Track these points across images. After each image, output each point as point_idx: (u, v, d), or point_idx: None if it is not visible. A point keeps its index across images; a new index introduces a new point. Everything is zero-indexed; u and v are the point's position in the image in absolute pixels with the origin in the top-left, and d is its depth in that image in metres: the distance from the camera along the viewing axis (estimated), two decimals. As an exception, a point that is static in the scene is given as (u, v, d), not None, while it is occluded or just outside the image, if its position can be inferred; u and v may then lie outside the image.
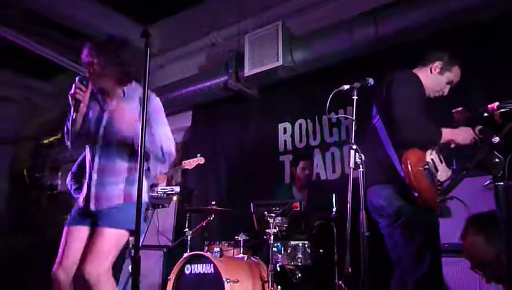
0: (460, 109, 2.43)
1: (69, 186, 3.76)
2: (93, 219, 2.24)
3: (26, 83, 7.27)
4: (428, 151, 2.26)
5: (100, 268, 2.07)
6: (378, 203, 2.31)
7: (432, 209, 2.23)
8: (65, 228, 2.28)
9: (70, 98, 2.24)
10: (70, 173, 3.86)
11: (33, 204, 7.03)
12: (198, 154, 3.90)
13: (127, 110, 2.30)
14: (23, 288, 5.44)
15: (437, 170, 2.27)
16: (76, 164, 3.88)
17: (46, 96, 7.51)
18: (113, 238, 2.16)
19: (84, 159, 3.85)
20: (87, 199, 2.26)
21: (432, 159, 2.25)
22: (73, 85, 2.23)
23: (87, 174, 2.32)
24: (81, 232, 2.25)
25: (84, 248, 2.20)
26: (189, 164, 3.78)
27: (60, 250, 2.23)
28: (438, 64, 2.42)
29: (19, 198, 7.18)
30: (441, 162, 2.31)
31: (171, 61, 6.13)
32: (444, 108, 2.55)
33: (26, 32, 5.47)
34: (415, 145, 2.19)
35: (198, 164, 3.85)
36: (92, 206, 2.24)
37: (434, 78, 2.42)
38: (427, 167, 2.20)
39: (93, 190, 2.25)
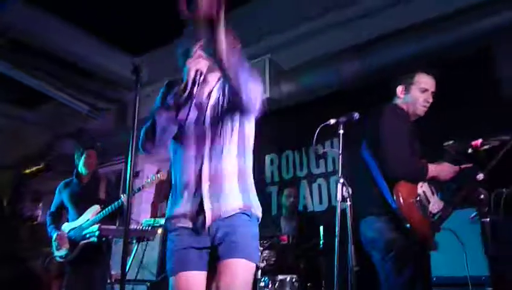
0: (451, 142, 2.46)
1: (47, 222, 3.72)
2: (210, 250, 1.68)
3: (10, 111, 7.18)
4: (420, 183, 2.28)
5: None
6: (370, 235, 2.29)
7: (423, 242, 2.22)
8: (174, 278, 1.67)
9: (189, 66, 1.71)
10: (48, 211, 3.82)
11: (12, 235, 6.80)
12: (162, 171, 3.67)
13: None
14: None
15: (429, 202, 2.27)
16: (54, 204, 3.82)
17: (30, 124, 7.42)
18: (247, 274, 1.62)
19: (58, 200, 3.80)
20: (197, 216, 1.67)
21: (424, 191, 2.27)
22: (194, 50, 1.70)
23: (190, 185, 1.73)
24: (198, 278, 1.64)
25: None
26: (149, 184, 3.53)
27: None
28: (400, 88, 2.48)
29: (-3, 229, 6.96)
30: (433, 193, 2.32)
31: (158, 91, 6.14)
32: (435, 140, 2.58)
33: (12, 61, 5.46)
34: (404, 179, 2.21)
35: (160, 180, 3.61)
36: (209, 225, 1.66)
37: (406, 100, 2.46)
38: (418, 199, 2.21)
39: (208, 204, 1.67)
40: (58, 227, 3.65)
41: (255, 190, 1.86)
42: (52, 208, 3.83)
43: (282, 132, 4.81)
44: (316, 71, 4.29)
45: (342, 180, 2.22)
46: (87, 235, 3.39)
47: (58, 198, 3.85)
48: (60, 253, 3.52)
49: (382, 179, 2.23)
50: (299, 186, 4.46)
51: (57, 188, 3.90)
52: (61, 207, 3.83)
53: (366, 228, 2.32)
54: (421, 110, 2.45)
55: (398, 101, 2.47)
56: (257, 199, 1.83)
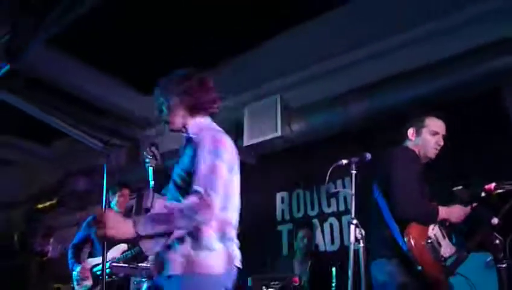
0: (460, 187, 2.46)
1: (68, 255, 3.72)
2: None
3: (26, 147, 7.33)
4: (431, 226, 2.26)
5: None
6: (381, 279, 2.26)
7: (436, 285, 2.18)
8: None
9: None
10: (71, 243, 3.82)
11: (22, 271, 6.78)
12: None
13: None
14: None
15: (440, 245, 2.25)
16: (78, 237, 3.85)
17: (44, 160, 7.55)
18: None
19: (84, 234, 3.83)
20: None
21: (435, 234, 2.25)
22: None
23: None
24: None
25: None
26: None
27: None
28: (411, 131, 2.50)
29: (7, 263, 6.94)
30: (444, 237, 2.30)
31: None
32: (446, 184, 2.58)
33: (28, 98, 5.63)
34: (415, 221, 2.20)
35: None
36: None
37: (417, 142, 2.47)
38: (430, 241, 2.19)
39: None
40: (79, 261, 3.65)
41: None
42: (76, 240, 3.83)
43: (293, 170, 4.82)
44: (324, 111, 4.35)
45: (354, 221, 2.22)
46: (98, 273, 3.38)
47: (85, 232, 3.88)
48: (81, 288, 3.49)
49: (393, 221, 2.22)
50: (312, 227, 4.42)
51: (86, 222, 3.94)
52: (86, 241, 3.86)
53: (377, 270, 2.29)
54: (432, 152, 2.47)
55: (409, 143, 2.49)
56: None
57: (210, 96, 1.93)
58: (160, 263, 1.68)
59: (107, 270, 3.33)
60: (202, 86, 1.92)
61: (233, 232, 1.85)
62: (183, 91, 1.86)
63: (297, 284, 3.29)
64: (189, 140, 1.84)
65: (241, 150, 4.80)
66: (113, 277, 3.33)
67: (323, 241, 4.37)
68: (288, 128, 4.46)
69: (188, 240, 1.65)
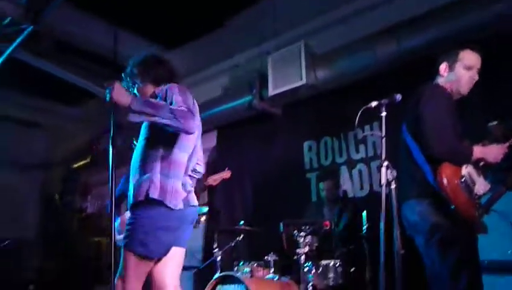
0: (496, 122, 2.38)
1: (107, 210, 3.88)
2: None
3: (56, 109, 7.52)
4: (464, 165, 2.22)
5: None
6: (412, 219, 2.27)
7: (469, 224, 2.18)
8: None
9: None
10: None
11: (64, 228, 7.18)
12: (225, 171, 3.80)
13: None
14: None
15: (474, 184, 2.22)
16: (118, 192, 4.00)
17: (75, 121, 7.75)
18: None
19: (121, 189, 3.98)
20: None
21: (469, 172, 2.21)
22: None
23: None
24: None
25: None
26: (214, 180, 3.73)
27: None
28: (443, 66, 2.39)
29: (50, 222, 7.35)
30: (479, 175, 2.26)
31: (195, 83, 6.25)
32: (479, 121, 2.50)
33: (57, 61, 5.70)
34: (447, 161, 2.16)
35: (223, 178, 3.78)
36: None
37: (449, 78, 2.37)
38: (463, 180, 2.16)
39: None
40: (118, 214, 3.82)
41: None
42: (117, 194, 3.97)
43: (319, 118, 4.77)
44: (351, 55, 4.22)
45: (386, 163, 2.20)
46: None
47: (121, 187, 4.02)
48: (120, 238, 3.68)
49: (424, 162, 2.19)
50: (337, 175, 4.42)
51: (124, 177, 4.09)
52: (123, 196, 4.01)
53: (408, 211, 2.29)
54: (465, 88, 2.37)
55: (441, 80, 2.40)
56: None
57: (167, 70, 2.39)
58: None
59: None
60: (160, 63, 2.39)
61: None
62: (144, 73, 2.32)
63: (328, 227, 3.36)
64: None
65: (266, 100, 4.77)
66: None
67: (352, 188, 4.39)
68: (314, 76, 4.37)
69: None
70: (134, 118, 1.99)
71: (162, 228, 2.05)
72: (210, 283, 3.44)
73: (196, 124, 2.12)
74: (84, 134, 7.11)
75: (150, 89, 2.30)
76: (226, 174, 3.76)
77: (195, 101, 2.26)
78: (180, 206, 2.08)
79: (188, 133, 2.04)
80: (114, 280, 2.08)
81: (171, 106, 1.99)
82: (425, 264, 2.29)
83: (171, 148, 2.14)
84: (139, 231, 2.03)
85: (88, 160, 6.76)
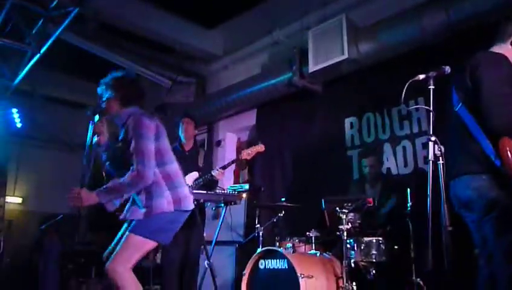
0: None
1: None
2: None
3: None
4: None
5: None
6: (465, 195, 2.17)
7: None
8: None
9: None
10: None
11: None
12: (259, 145, 3.81)
13: None
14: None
15: None
16: None
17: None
18: None
19: None
20: None
21: None
22: None
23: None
24: None
25: None
26: (248, 154, 3.74)
27: None
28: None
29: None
30: None
31: (235, 62, 6.26)
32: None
33: (101, 42, 5.87)
34: (509, 135, 2.04)
35: (258, 152, 3.78)
36: None
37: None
38: None
39: None
40: None
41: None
42: None
43: (361, 94, 4.65)
44: (395, 27, 4.05)
45: (433, 138, 2.12)
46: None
47: None
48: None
49: (483, 135, 2.08)
50: (380, 151, 4.33)
51: None
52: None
53: (461, 188, 2.19)
54: None
55: (506, 49, 2.22)
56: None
57: (137, 92, 2.60)
58: (127, 211, 2.44)
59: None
60: (132, 84, 2.60)
61: (179, 179, 2.49)
62: (118, 88, 2.52)
63: (371, 205, 3.32)
64: (122, 124, 2.50)
65: (307, 77, 4.71)
66: (195, 203, 3.55)
67: (396, 165, 4.29)
68: (356, 50, 4.25)
69: (144, 194, 2.39)
70: (109, 207, 2.43)
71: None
72: (253, 257, 3.51)
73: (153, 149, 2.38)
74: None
75: (116, 105, 2.52)
76: (260, 148, 3.78)
77: (159, 124, 2.47)
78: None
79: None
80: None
81: (125, 182, 2.31)
82: (474, 242, 2.22)
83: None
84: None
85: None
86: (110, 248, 2.47)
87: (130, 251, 2.31)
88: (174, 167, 2.49)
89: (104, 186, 2.35)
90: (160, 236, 2.40)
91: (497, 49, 2.25)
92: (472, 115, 2.14)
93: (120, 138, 2.50)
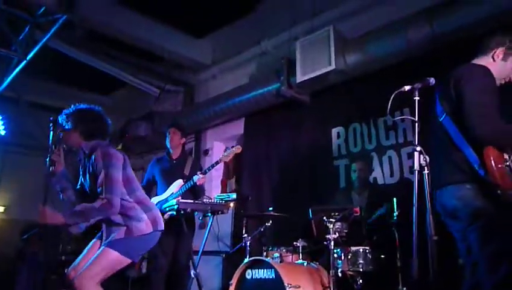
0: None
1: None
2: None
3: (88, 97, 7.71)
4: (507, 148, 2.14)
5: None
6: (451, 205, 2.20)
7: None
8: None
9: None
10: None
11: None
12: (235, 146, 3.88)
13: None
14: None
15: None
16: (145, 179, 4.17)
17: (106, 109, 7.91)
18: None
19: (150, 177, 4.18)
20: None
21: (510, 157, 2.13)
22: None
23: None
24: None
25: None
26: (226, 156, 3.79)
27: None
28: (500, 51, 2.29)
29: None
30: None
31: (223, 71, 6.28)
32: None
33: (88, 50, 5.84)
34: (492, 144, 2.08)
35: (236, 153, 3.84)
36: None
37: (497, 65, 2.27)
38: (507, 163, 2.08)
39: None
40: None
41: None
42: (144, 183, 4.14)
43: (348, 104, 4.70)
44: (382, 39, 4.12)
45: (418, 148, 2.16)
46: (167, 209, 3.61)
47: (150, 173, 4.18)
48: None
49: (467, 145, 2.12)
50: (368, 160, 4.37)
51: (150, 164, 4.24)
52: (152, 182, 4.16)
53: (446, 197, 2.22)
54: (498, 83, 2.27)
55: (487, 62, 2.28)
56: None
57: (101, 128, 2.62)
58: (108, 233, 2.50)
59: (175, 207, 3.55)
60: (96, 120, 2.61)
61: (150, 202, 2.65)
62: (80, 121, 2.56)
63: (357, 214, 3.34)
64: (85, 155, 2.57)
65: (294, 87, 4.74)
66: (181, 212, 3.53)
67: (382, 174, 4.33)
68: (343, 61, 4.31)
69: (121, 216, 2.46)
70: (73, 229, 2.64)
71: None
72: (240, 267, 3.49)
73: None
74: (116, 122, 7.26)
75: (76, 137, 2.57)
76: (237, 149, 3.85)
77: (124, 154, 2.56)
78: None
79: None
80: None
81: (93, 207, 2.37)
82: (459, 251, 2.24)
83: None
84: None
85: (119, 147, 6.91)
86: (75, 263, 2.49)
87: (101, 265, 2.35)
88: (142, 192, 2.62)
89: (73, 209, 2.42)
90: (135, 256, 2.50)
91: (478, 61, 2.31)
92: (457, 125, 2.18)
93: (84, 170, 2.57)
